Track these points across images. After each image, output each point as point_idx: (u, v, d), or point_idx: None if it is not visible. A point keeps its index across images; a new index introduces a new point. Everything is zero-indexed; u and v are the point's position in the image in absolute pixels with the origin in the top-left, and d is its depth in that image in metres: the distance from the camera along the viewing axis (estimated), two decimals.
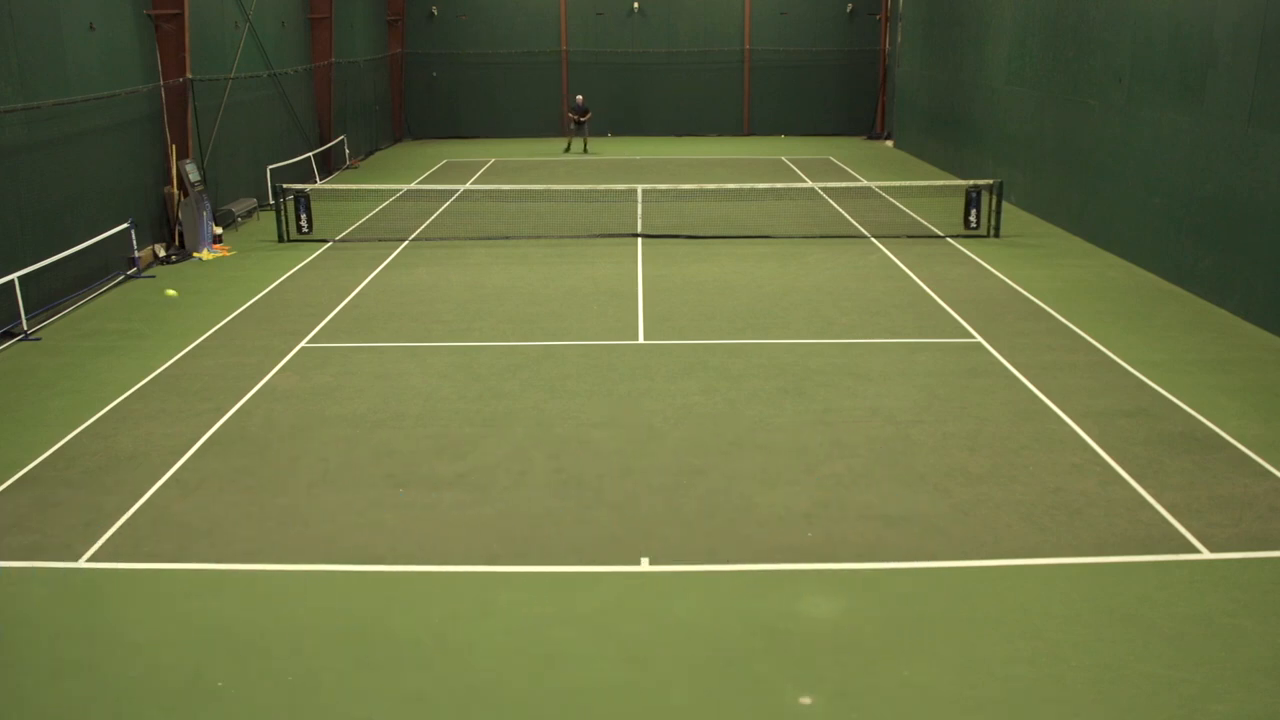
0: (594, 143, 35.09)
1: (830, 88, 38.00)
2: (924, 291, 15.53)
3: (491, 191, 24.22)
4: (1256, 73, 13.62)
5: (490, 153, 33.75)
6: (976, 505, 8.71)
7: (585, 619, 7.17)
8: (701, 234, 19.79)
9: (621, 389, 11.50)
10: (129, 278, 16.90)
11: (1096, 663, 6.57)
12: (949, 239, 19.32)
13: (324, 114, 28.88)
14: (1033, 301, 14.96)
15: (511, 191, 23.87)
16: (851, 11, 37.41)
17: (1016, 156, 22.60)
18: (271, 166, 23.66)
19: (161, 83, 18.74)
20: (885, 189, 24.31)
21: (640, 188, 22.82)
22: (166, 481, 9.31)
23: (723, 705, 6.26)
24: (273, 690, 6.41)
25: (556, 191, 23.79)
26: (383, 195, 24.55)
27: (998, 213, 19.54)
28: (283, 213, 19.74)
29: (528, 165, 30.55)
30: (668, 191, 23.84)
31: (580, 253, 18.42)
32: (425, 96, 38.06)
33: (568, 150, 33.52)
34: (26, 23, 14.56)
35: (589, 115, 33.57)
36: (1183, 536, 8.15)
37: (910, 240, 19.23)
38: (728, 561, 7.89)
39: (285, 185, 20.53)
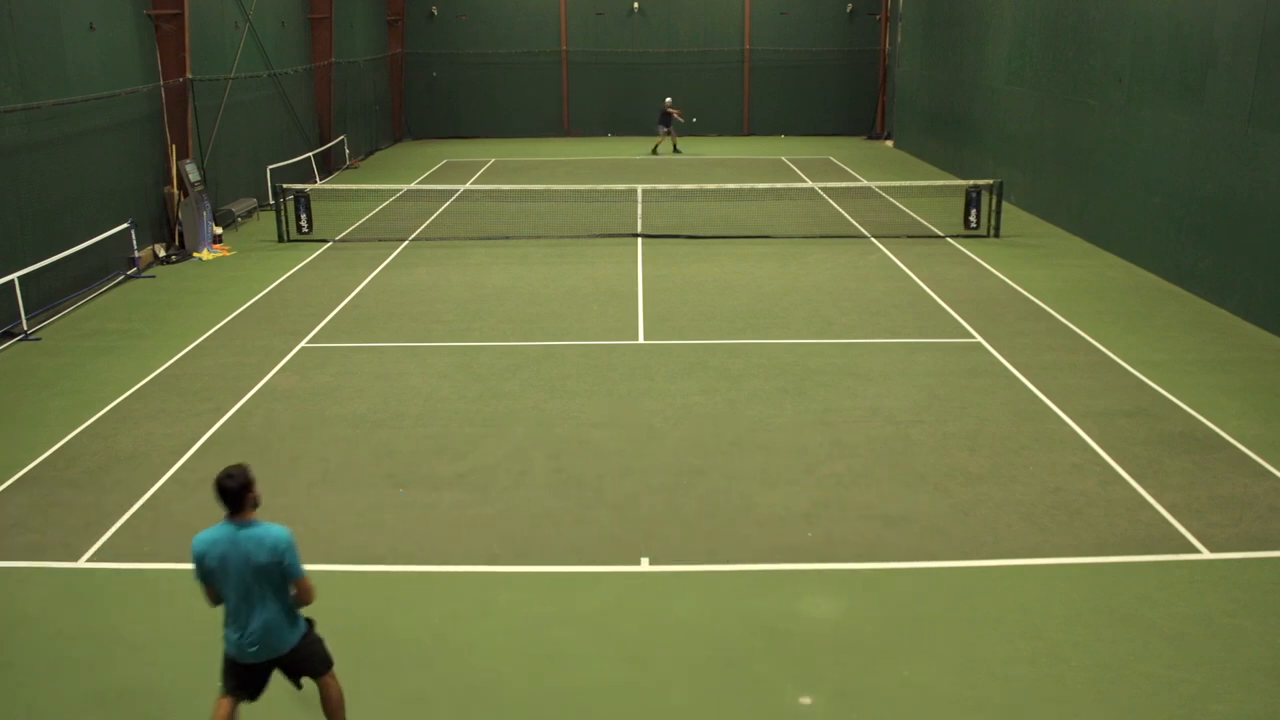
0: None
1: (830, 88, 38.00)
2: (924, 291, 15.52)
3: (491, 191, 24.22)
4: (1256, 73, 13.62)
5: (490, 153, 33.75)
6: (976, 505, 8.71)
7: (585, 619, 7.17)
8: (701, 234, 19.79)
9: (621, 389, 11.49)
10: (129, 278, 16.90)
11: (1096, 663, 6.57)
12: (949, 239, 19.32)
13: (324, 114, 28.88)
14: (1033, 301, 14.96)
15: (511, 191, 23.87)
16: (851, 11, 37.41)
17: (1016, 156, 22.60)
18: (271, 166, 23.66)
19: (161, 83, 18.74)
20: (885, 189, 24.31)
21: (640, 188, 22.82)
22: (166, 481, 9.31)
23: (723, 705, 6.26)
24: (273, 690, 6.40)
25: (556, 191, 23.78)
26: (383, 195, 24.55)
27: (998, 213, 19.54)
28: (283, 213, 19.74)
29: (528, 165, 30.55)
30: (668, 191, 23.83)
31: (580, 253, 18.42)
32: (425, 96, 38.06)
33: (655, 151, 33.07)
34: (26, 23, 14.56)
35: (677, 113, 33.13)
36: (1183, 536, 8.15)
37: (910, 240, 19.23)
38: (728, 561, 7.88)
39: (285, 185, 20.53)
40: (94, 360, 12.75)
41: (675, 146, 33.17)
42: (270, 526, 5.38)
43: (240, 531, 5.32)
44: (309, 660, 5.69)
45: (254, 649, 5.44)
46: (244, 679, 5.57)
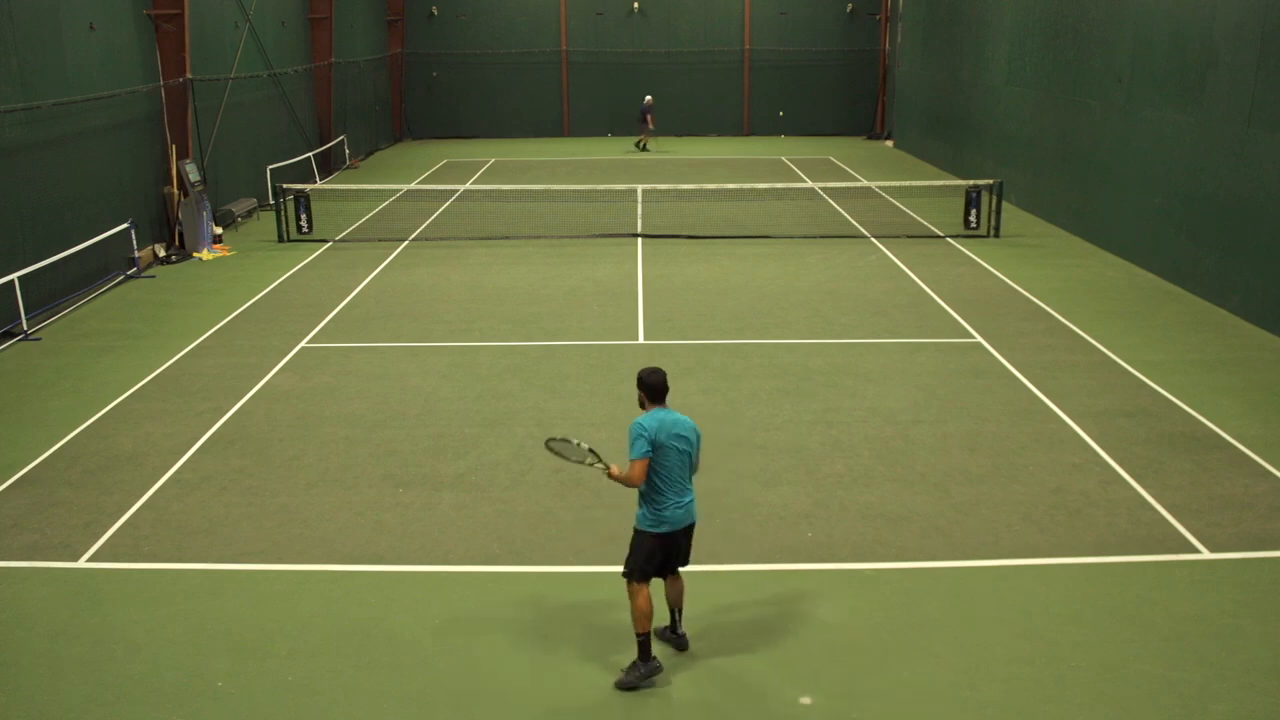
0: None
1: (830, 88, 37.99)
2: (924, 291, 15.52)
3: (491, 191, 24.22)
4: (1256, 73, 13.62)
5: (490, 153, 33.75)
6: (976, 505, 8.71)
7: (585, 619, 7.17)
8: (701, 234, 19.79)
9: (621, 389, 11.49)
10: (129, 278, 16.90)
11: (1096, 663, 6.57)
12: (949, 239, 19.31)
13: (324, 114, 28.88)
14: (1033, 301, 14.96)
15: (511, 191, 23.87)
16: (851, 11, 37.41)
17: (1016, 156, 22.60)
18: (271, 166, 23.66)
19: (161, 83, 18.74)
20: (885, 189, 24.31)
21: (640, 188, 22.83)
22: (166, 481, 9.31)
23: (723, 705, 6.26)
24: (273, 690, 6.41)
25: (556, 191, 23.78)
26: (383, 195, 24.54)
27: (998, 213, 19.54)
28: (283, 213, 19.74)
29: (528, 165, 30.55)
30: (668, 191, 23.83)
31: (580, 253, 18.42)
32: (425, 96, 38.06)
33: (641, 148, 33.79)
34: (26, 23, 14.56)
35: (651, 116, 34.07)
36: (1183, 536, 8.15)
37: (910, 240, 19.22)
38: (728, 561, 7.88)
39: (285, 185, 20.53)
40: (94, 360, 12.75)
41: (644, 144, 33.87)
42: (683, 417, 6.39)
43: (671, 415, 6.34)
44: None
45: (685, 514, 6.35)
46: (670, 551, 6.37)
